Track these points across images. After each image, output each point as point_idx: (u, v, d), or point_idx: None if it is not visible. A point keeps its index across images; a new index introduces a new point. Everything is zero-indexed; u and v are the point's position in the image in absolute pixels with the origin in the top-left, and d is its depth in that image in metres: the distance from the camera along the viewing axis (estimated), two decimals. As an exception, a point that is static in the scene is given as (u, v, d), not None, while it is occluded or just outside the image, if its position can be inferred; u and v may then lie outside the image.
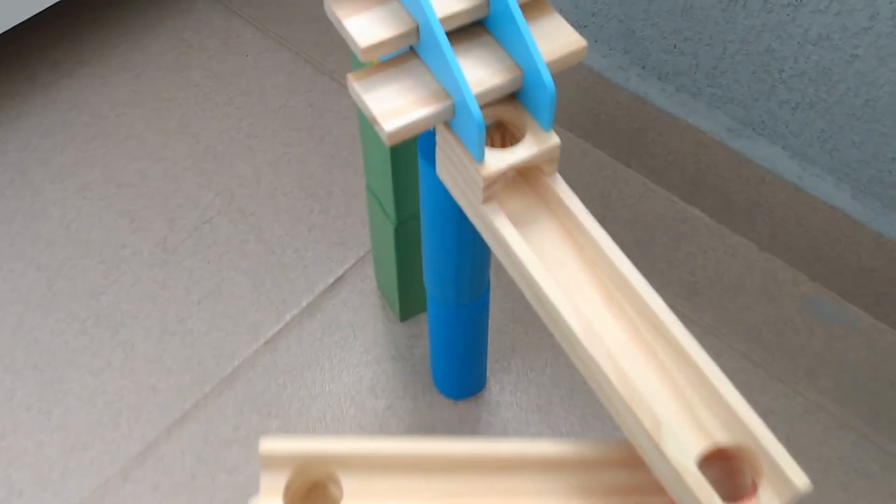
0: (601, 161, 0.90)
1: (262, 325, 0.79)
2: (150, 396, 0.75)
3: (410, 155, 0.61)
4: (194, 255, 0.83)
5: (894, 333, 0.78)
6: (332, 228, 0.85)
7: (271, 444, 0.44)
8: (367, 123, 0.60)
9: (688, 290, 0.81)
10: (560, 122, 0.91)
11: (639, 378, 0.42)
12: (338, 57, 0.99)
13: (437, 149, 0.48)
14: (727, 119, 0.77)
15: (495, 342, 0.78)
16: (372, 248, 0.78)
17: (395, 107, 0.44)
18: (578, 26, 0.82)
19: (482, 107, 0.45)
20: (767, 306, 0.81)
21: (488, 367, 0.76)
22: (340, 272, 0.82)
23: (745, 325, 0.79)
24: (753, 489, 0.39)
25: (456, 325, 0.65)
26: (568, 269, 0.46)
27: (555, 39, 0.46)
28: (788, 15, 0.67)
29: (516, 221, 0.47)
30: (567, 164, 0.89)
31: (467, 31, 0.47)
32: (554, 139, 0.46)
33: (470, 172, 0.45)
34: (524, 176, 0.48)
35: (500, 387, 0.75)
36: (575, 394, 0.75)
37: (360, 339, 0.78)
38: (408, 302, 0.77)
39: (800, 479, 0.38)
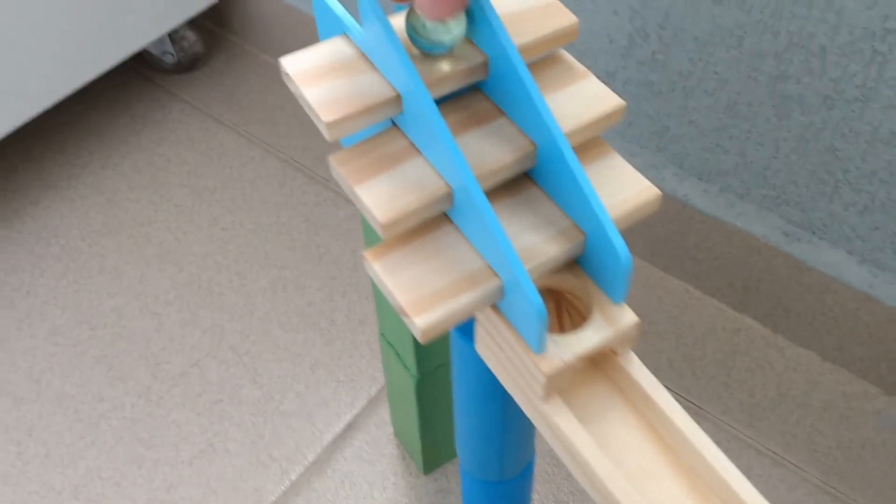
0: (641, 270, 0.80)
1: (263, 489, 0.68)
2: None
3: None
4: (182, 407, 0.73)
5: None
6: (337, 364, 0.75)
7: None
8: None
9: (749, 413, 0.71)
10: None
11: None
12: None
13: (478, 326, 0.39)
14: (782, 222, 0.68)
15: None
16: (387, 390, 0.68)
17: (429, 293, 0.34)
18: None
19: (537, 282, 0.36)
20: (839, 427, 0.71)
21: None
22: (350, 417, 0.72)
23: (817, 452, 0.69)
24: None
25: (497, 501, 0.54)
26: (642, 458, 0.36)
27: (619, 189, 0.37)
28: (854, 111, 0.58)
29: (585, 418, 0.37)
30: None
31: (510, 184, 0.38)
32: (630, 316, 0.36)
33: (526, 364, 0.36)
34: (593, 362, 0.39)
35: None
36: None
37: (380, 499, 0.67)
38: (432, 452, 0.66)
39: None
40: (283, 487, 0.68)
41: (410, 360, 0.55)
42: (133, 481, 0.69)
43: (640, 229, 0.78)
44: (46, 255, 0.83)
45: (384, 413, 0.71)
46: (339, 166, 0.36)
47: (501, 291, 0.35)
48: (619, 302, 0.36)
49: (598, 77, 0.71)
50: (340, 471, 0.69)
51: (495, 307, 0.36)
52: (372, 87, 0.36)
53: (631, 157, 0.74)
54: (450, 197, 0.35)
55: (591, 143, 0.39)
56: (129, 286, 0.80)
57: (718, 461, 0.35)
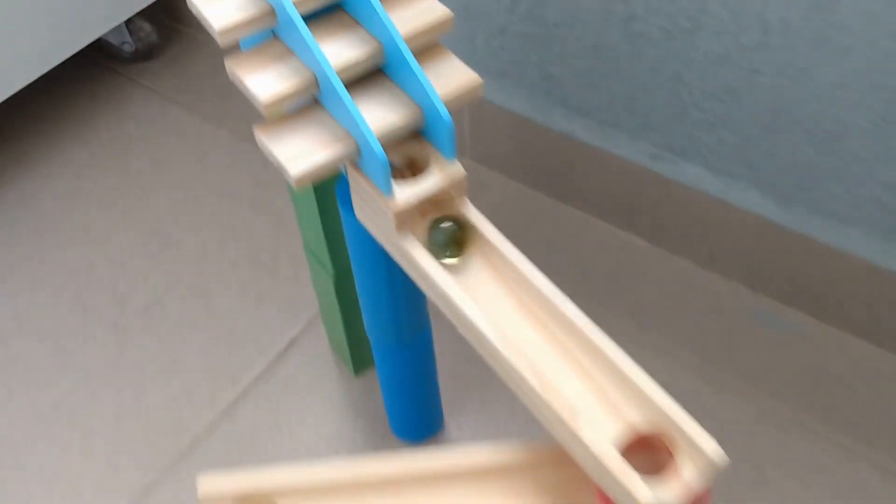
0: (540, 202, 0.92)
1: (217, 395, 0.79)
2: (111, 476, 0.75)
3: (336, 206, 0.63)
4: (146, 334, 0.84)
5: (837, 332, 0.80)
6: (280, 294, 0.86)
7: (210, 482, 0.44)
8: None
9: (634, 313, 0.83)
10: (496, 167, 0.94)
11: (554, 374, 0.43)
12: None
13: (352, 192, 0.50)
14: (649, 146, 0.80)
15: (450, 384, 0.78)
16: (319, 306, 0.79)
17: (301, 151, 0.46)
18: (500, 75, 0.85)
19: (388, 146, 0.48)
20: (712, 321, 0.82)
21: (445, 408, 0.77)
22: (292, 335, 0.83)
23: (692, 342, 0.81)
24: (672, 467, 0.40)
25: (402, 366, 0.66)
26: (482, 285, 0.47)
27: (451, 78, 0.49)
28: (689, 41, 0.71)
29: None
30: (507, 208, 0.91)
31: (369, 78, 0.49)
32: (458, 168, 0.48)
33: (381, 207, 0.47)
34: (438, 209, 0.50)
35: (458, 426, 0.76)
36: (531, 424, 0.76)
37: (317, 398, 0.79)
38: (359, 356, 0.78)
39: (714, 451, 0.40)
40: (234, 394, 0.79)
41: (326, 259, 0.67)
42: (104, 394, 0.80)
43: (541, 169, 0.90)
44: (23, 220, 0.94)
45: (321, 331, 0.83)
46: (232, 66, 0.48)
47: (358, 150, 0.47)
48: (451, 158, 0.48)
49: (491, 32, 0.83)
50: (284, 378, 0.80)
51: (359, 169, 0.48)
52: (254, 5, 0.48)
53: (526, 103, 0.86)
54: (315, 83, 0.47)
55: (432, 48, 0.51)
56: (98, 240, 0.92)
57: (528, 270, 0.47)
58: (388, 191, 0.46)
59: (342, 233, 0.64)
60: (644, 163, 0.81)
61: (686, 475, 0.40)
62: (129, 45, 1.07)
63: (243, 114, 1.03)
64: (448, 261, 0.48)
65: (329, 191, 0.61)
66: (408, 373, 0.66)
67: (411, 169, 0.50)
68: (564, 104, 0.83)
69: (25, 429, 0.78)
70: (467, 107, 0.91)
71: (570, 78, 0.81)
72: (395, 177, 0.48)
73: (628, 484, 0.39)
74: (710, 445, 0.40)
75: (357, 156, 0.47)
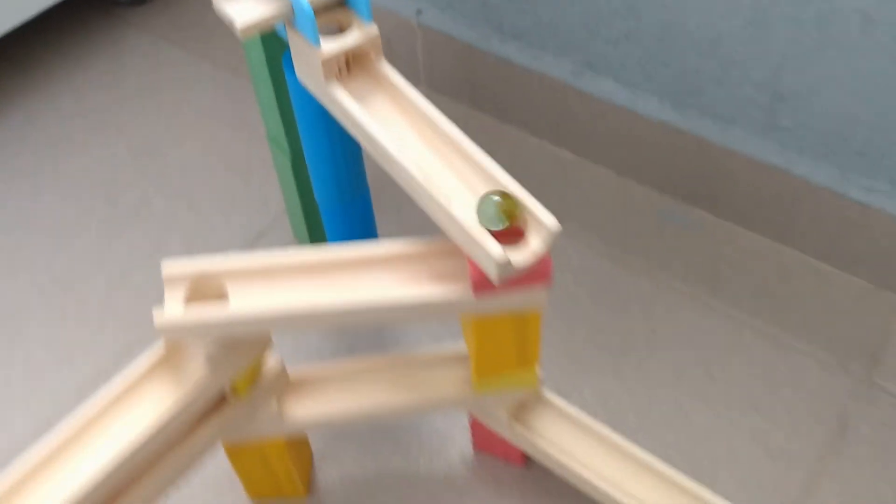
0: (483, 122, 1.04)
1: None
2: (100, 337, 0.87)
3: (288, 95, 0.76)
4: (134, 228, 0.96)
5: (730, 225, 0.92)
6: (252, 196, 0.99)
7: (171, 265, 0.57)
8: (255, 71, 0.75)
9: (557, 211, 0.94)
10: (447, 93, 1.06)
11: (435, 173, 0.56)
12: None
13: (292, 52, 0.62)
14: (570, 64, 0.92)
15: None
16: (283, 200, 0.91)
17: (247, 9, 0.58)
18: (447, 6, 0.98)
19: (318, 12, 0.60)
20: (625, 218, 0.94)
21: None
22: (261, 227, 0.96)
23: (605, 233, 0.93)
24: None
25: (347, 228, 0.78)
26: (391, 120, 0.59)
27: (370, -41, 0.61)
28: (594, -37, 0.83)
29: (355, 96, 0.61)
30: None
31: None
32: (374, 29, 0.60)
33: (313, 59, 0.60)
34: (361, 67, 0.62)
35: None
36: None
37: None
38: (316, 239, 0.90)
39: (551, 223, 0.52)
40: (209, 275, 0.92)
41: (283, 141, 0.79)
42: (97, 273, 0.92)
43: (483, 91, 1.02)
44: (31, 135, 1.07)
45: (285, 223, 0.95)
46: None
47: (291, 10, 0.59)
48: (368, 20, 0.60)
49: (437, -32, 0.96)
50: (252, 260, 0.92)
51: (294, 29, 0.60)
52: None
53: (469, 30, 0.98)
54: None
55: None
56: (94, 153, 1.04)
57: (423, 105, 0.59)
58: (316, 41, 0.58)
59: (294, 117, 0.77)
60: (567, 80, 0.93)
61: (532, 244, 0.52)
62: (125, -9, 1.20)
63: (224, 48, 1.16)
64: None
65: (282, 82, 0.74)
66: (352, 235, 0.78)
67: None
68: (500, 30, 0.95)
69: (28, 300, 0.91)
70: (421, 39, 1.04)
71: (503, 5, 0.93)
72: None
73: (486, 245, 0.51)
74: (549, 219, 0.52)
75: (292, 16, 0.59)
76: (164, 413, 0.56)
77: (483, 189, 0.55)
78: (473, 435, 0.77)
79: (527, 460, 0.77)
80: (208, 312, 0.56)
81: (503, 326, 0.59)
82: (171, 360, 0.59)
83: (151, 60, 1.16)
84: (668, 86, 0.86)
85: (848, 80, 0.75)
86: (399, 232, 0.93)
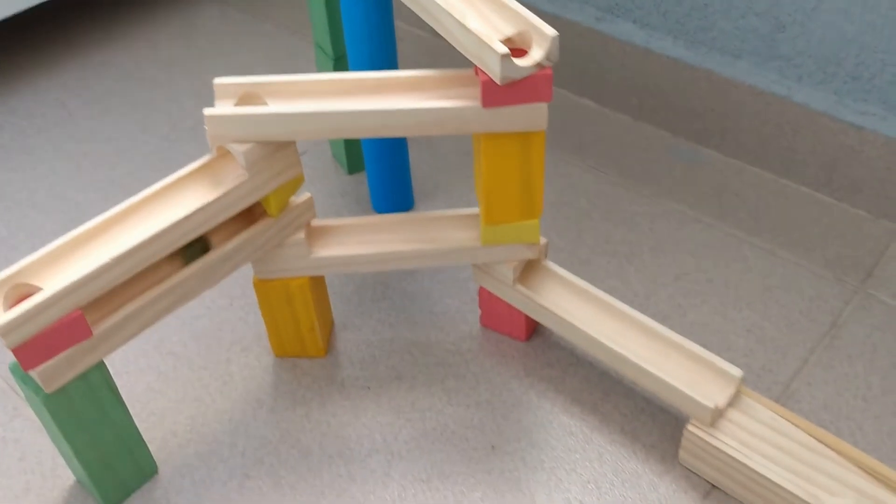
0: (563, 98, 1.13)
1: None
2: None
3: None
4: (190, 143, 1.06)
5: (736, 162, 0.99)
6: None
7: (222, 80, 0.65)
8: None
9: (578, 150, 1.03)
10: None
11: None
12: (306, 27, 1.26)
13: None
14: (594, 10, 1.01)
15: (420, 181, 0.98)
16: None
17: None
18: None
19: None
20: (639, 156, 1.01)
21: (416, 198, 0.96)
22: (303, 149, 1.04)
23: (621, 169, 1.00)
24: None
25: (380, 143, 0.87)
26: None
27: None
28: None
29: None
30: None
31: None
32: None
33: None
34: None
35: (425, 207, 0.96)
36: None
37: (318, 187, 0.99)
38: (353, 158, 0.98)
39: (552, 34, 0.59)
40: (253, 183, 1.00)
41: (327, 44, 0.89)
42: (154, 176, 1.01)
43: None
44: (109, 75, 1.19)
45: (326, 146, 1.04)
46: None
47: None
48: None
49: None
50: (293, 172, 1.01)
51: None
52: None
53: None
54: None
55: None
56: (161, 89, 1.16)
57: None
58: None
59: (340, 22, 0.86)
60: (591, 24, 1.02)
61: (535, 54, 0.60)
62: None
63: (286, 12, 1.28)
64: None
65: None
66: (385, 145, 0.87)
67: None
68: (531, -15, 1.06)
69: (94, 197, 1.00)
70: None
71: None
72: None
73: (492, 43, 0.59)
74: (548, 29, 0.60)
75: None
76: (206, 200, 0.64)
77: (500, 22, 0.62)
78: (482, 311, 0.82)
79: (529, 336, 0.82)
80: (248, 110, 0.64)
81: (509, 150, 0.66)
82: (216, 164, 0.67)
83: (219, 21, 1.28)
84: (681, 23, 0.94)
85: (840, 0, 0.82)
86: (430, 160, 1.01)
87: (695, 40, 0.94)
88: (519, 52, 0.61)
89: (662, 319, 0.83)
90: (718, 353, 0.79)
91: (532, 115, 0.63)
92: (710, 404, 0.67)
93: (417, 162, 1.01)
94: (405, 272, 0.89)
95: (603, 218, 0.94)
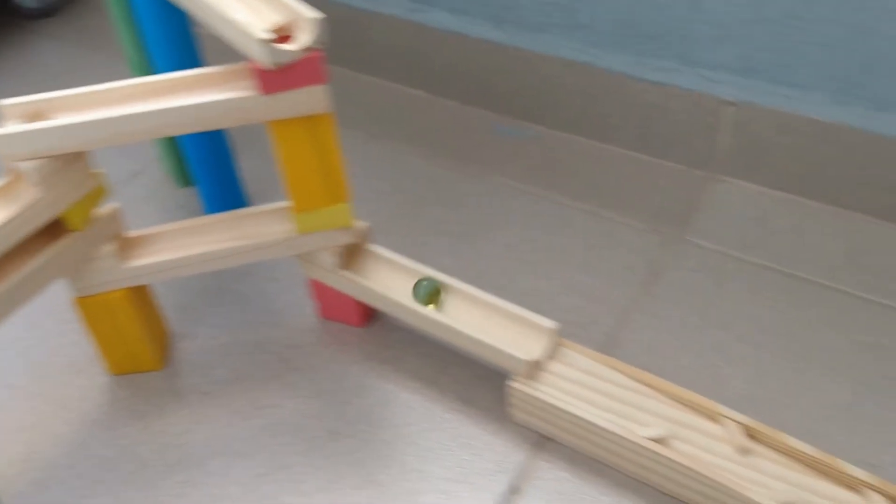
0: (338, 74, 1.15)
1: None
2: None
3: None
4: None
5: (558, 133, 1.03)
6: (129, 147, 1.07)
7: (8, 101, 0.65)
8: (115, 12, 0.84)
9: (409, 139, 1.05)
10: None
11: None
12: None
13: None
14: (407, 2, 1.03)
15: (255, 185, 0.99)
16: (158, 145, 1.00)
17: None
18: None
19: None
20: (469, 138, 1.04)
21: (253, 203, 0.97)
22: (138, 169, 1.04)
23: (450, 152, 1.03)
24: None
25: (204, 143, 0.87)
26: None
27: None
28: None
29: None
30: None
31: None
32: None
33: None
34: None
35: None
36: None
37: (154, 203, 0.99)
38: (182, 172, 0.99)
39: (316, 16, 0.61)
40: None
41: (137, 59, 0.89)
42: None
43: (334, 43, 1.13)
44: None
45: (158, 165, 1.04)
46: None
47: None
48: None
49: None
50: (131, 196, 1.00)
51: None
52: None
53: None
54: None
55: None
56: None
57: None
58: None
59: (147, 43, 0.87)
60: (407, 16, 1.04)
61: (302, 38, 0.61)
62: (31, 2, 1.32)
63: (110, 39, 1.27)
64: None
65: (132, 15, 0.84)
66: (208, 154, 0.87)
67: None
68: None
69: None
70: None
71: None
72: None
73: (254, 33, 0.60)
74: (311, 13, 0.61)
75: None
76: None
77: (266, 10, 0.64)
78: (317, 303, 0.83)
79: (367, 322, 0.83)
80: (30, 126, 0.63)
81: (299, 135, 0.67)
82: (11, 186, 0.66)
83: (54, 56, 1.26)
84: (487, 4, 0.98)
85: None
86: (263, 164, 1.02)
87: (502, 20, 0.97)
88: (290, 38, 0.63)
89: (496, 289, 0.85)
90: (548, 313, 0.82)
91: (312, 98, 0.65)
92: (526, 357, 0.69)
93: (251, 167, 1.01)
94: (241, 274, 0.89)
95: (436, 201, 0.96)
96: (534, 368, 0.70)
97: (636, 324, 0.81)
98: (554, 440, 0.72)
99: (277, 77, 0.63)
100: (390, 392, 0.77)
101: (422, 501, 0.68)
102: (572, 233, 0.91)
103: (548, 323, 0.72)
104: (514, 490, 0.69)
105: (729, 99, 0.88)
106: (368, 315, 0.83)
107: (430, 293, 0.75)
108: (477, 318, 0.74)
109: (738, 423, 0.67)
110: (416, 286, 0.75)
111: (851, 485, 0.63)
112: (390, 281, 0.77)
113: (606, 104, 0.96)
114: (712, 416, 0.68)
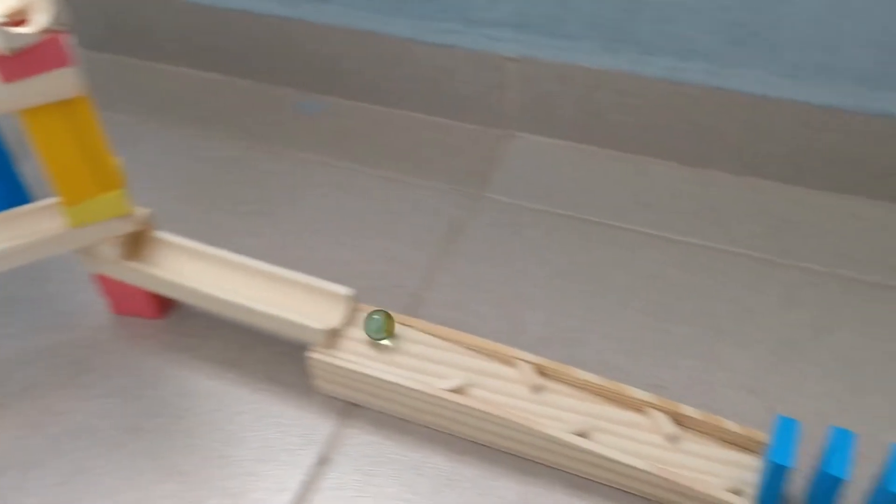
0: (128, 64, 1.11)
1: None
2: None
3: None
4: None
5: (355, 103, 1.03)
6: None
7: None
8: None
9: (207, 126, 1.02)
10: (96, 47, 1.11)
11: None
12: None
13: None
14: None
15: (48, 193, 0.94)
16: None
17: None
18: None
19: None
20: (268, 117, 1.03)
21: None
22: None
23: (253, 135, 1.01)
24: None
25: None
26: None
27: None
28: None
29: None
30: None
31: None
32: None
33: None
34: None
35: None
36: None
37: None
38: None
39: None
40: None
41: None
42: None
43: (119, 33, 1.08)
44: None
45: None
46: None
47: None
48: None
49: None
50: None
51: None
52: None
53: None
54: None
55: None
56: None
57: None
58: None
59: None
60: (273, 11, 1.01)
61: (38, 20, 0.58)
62: None
63: None
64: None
65: None
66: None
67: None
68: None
69: None
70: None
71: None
72: None
73: None
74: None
75: None
76: None
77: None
78: (108, 301, 0.80)
79: (164, 312, 0.80)
80: None
81: (54, 123, 0.63)
82: None
83: None
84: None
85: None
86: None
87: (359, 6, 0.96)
88: (25, 22, 0.59)
89: (298, 263, 0.84)
90: (351, 282, 0.81)
91: (61, 82, 0.61)
92: (323, 327, 0.69)
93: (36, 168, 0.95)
94: (29, 280, 0.84)
95: (235, 182, 0.94)
96: (332, 337, 0.70)
97: (440, 282, 0.82)
98: (360, 406, 0.72)
99: (17, 63, 0.59)
100: (191, 380, 0.75)
101: (228, 486, 0.67)
102: (373, 200, 0.91)
103: (343, 290, 0.71)
104: (323, 461, 0.68)
105: (511, 55, 0.90)
106: (164, 305, 0.80)
107: (384, 326, 0.71)
108: (273, 294, 0.73)
109: (531, 363, 0.69)
110: (367, 321, 0.71)
111: (638, 407, 0.66)
112: (180, 266, 0.75)
113: (395, 70, 0.96)
114: (508, 361, 0.70)
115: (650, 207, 0.88)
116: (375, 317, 0.71)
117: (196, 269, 0.75)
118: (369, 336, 0.70)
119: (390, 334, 0.71)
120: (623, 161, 0.93)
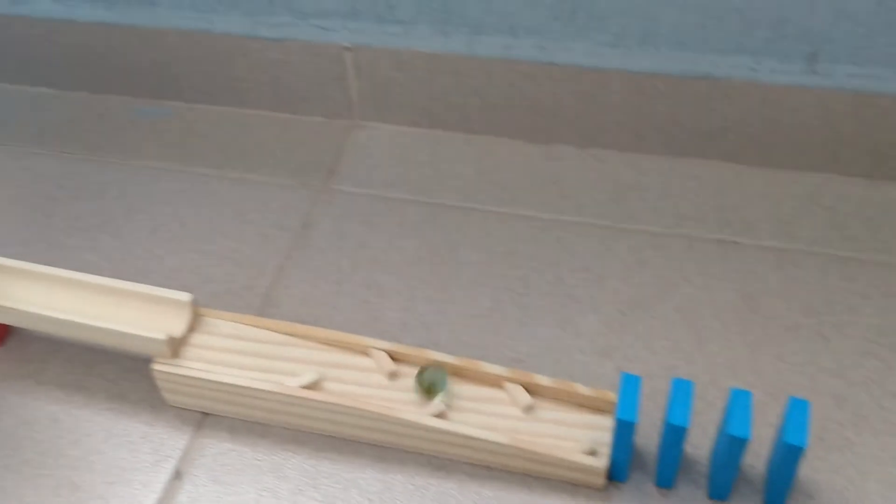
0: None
1: None
2: None
3: None
4: None
5: (197, 105, 0.99)
6: None
7: None
8: None
9: (42, 141, 0.97)
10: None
11: None
12: None
13: None
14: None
15: None
16: None
17: None
18: None
19: None
20: (104, 127, 0.98)
21: None
22: None
23: (88, 143, 0.96)
24: None
25: None
26: None
27: None
28: None
29: None
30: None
31: None
32: None
33: None
34: None
35: None
36: None
37: None
38: None
39: None
40: None
41: None
42: None
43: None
44: None
45: None
46: None
47: None
48: None
49: None
50: None
51: None
52: None
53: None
54: None
55: None
56: None
57: None
58: None
59: None
60: (6, 10, 0.96)
61: None
62: None
63: None
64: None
65: None
66: None
67: None
68: None
69: None
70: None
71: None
72: None
73: None
74: None
75: None
76: None
77: None
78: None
79: (3, 339, 0.76)
80: None
81: None
82: None
83: None
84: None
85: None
86: None
87: (113, 1, 0.92)
88: None
89: (143, 273, 0.81)
90: (200, 288, 0.79)
91: None
92: (163, 336, 0.66)
93: None
94: None
95: (73, 197, 0.90)
96: (176, 346, 0.67)
97: (292, 279, 0.80)
98: (214, 414, 0.69)
99: None
100: (33, 408, 0.70)
101: (78, 513, 0.64)
102: (220, 203, 0.88)
103: (183, 296, 0.69)
104: (178, 476, 0.66)
105: (346, 45, 0.89)
106: (4, 331, 0.76)
107: (434, 382, 0.65)
108: (112, 309, 0.69)
109: (384, 350, 0.68)
110: (419, 376, 0.66)
111: (495, 382, 0.67)
112: (10, 290, 0.71)
113: (234, 69, 0.94)
114: (363, 351, 0.69)
115: (499, 186, 0.88)
116: (427, 373, 0.66)
117: (29, 291, 0.71)
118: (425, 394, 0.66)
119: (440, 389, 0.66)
120: (470, 143, 0.93)
